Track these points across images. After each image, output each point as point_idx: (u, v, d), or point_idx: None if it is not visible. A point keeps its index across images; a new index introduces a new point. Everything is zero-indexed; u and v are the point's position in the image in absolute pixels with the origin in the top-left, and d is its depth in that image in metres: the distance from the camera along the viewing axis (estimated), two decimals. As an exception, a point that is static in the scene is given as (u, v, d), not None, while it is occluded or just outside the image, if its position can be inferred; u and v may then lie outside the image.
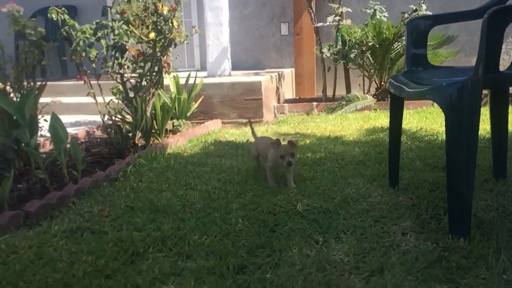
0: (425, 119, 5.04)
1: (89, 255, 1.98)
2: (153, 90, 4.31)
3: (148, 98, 4.26)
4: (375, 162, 3.34)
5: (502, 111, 2.63)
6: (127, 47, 3.95)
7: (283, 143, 2.95)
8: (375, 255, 1.89)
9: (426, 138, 4.06)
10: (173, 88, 5.04)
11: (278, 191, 2.75)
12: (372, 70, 6.20)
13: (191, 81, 5.30)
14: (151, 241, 2.12)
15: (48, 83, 3.54)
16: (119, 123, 4.13)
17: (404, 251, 1.91)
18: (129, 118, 4.28)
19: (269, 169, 2.93)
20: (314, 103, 6.20)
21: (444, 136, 2.19)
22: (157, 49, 4.12)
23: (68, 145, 3.16)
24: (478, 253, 1.80)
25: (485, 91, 4.09)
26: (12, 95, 3.37)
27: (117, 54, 3.91)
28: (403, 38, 5.68)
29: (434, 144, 3.75)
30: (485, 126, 3.62)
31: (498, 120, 2.68)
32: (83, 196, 2.81)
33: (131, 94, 4.21)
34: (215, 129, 5.25)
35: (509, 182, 2.65)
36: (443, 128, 2.02)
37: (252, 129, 3.61)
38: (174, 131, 4.89)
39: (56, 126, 3.01)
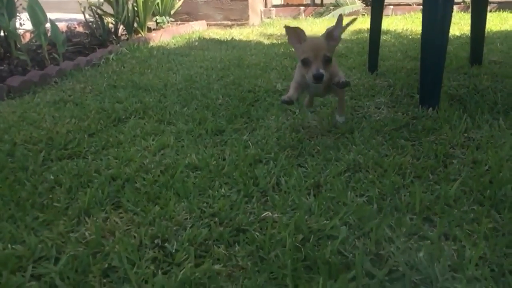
0: (412, 23, 5.01)
1: (72, 118, 2.05)
2: (135, -18, 4.18)
3: (129, -9, 4.14)
4: (356, 55, 3.37)
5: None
6: None
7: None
8: (347, 123, 1.97)
9: (410, 37, 4.07)
10: (155, -17, 4.86)
11: (259, 74, 2.79)
12: (362, -27, 6.02)
13: (174, -22, 5.12)
14: (133, 110, 2.18)
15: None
16: (102, 15, 4.03)
17: (375, 120, 2.00)
18: (110, 11, 4.18)
19: (294, 82, 1.75)
20: (302, 8, 6.09)
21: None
22: None
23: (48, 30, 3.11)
24: (444, 119, 1.89)
25: None
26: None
27: None
28: None
29: (417, 41, 3.77)
30: (467, 28, 3.66)
31: (478, 9, 2.69)
32: (65, 76, 2.83)
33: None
34: (200, 29, 5.17)
35: (484, 67, 2.72)
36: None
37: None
38: (158, 28, 4.81)
39: (35, 7, 2.93)
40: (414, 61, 3.03)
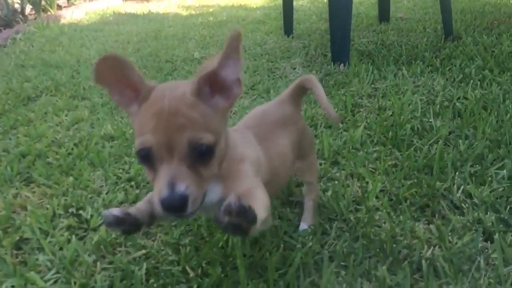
0: (327, -12, 5.13)
1: (-25, 101, 1.92)
2: (37, -45, 3.91)
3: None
4: (274, 20, 3.41)
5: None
6: None
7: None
8: (264, 84, 2.01)
9: (325, 0, 4.16)
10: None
11: (176, 44, 2.76)
12: None
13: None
14: (44, 88, 2.08)
15: None
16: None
17: (291, 79, 2.06)
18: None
19: None
20: (220, -22, 6.00)
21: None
22: None
23: None
24: (354, 73, 1.98)
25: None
26: None
27: None
28: None
29: (331, 5, 3.87)
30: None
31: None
32: (-34, 60, 2.63)
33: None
34: (115, 4, 4.98)
35: (391, 23, 2.86)
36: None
37: None
38: (69, 6, 4.56)
39: None
40: (328, 22, 3.12)
